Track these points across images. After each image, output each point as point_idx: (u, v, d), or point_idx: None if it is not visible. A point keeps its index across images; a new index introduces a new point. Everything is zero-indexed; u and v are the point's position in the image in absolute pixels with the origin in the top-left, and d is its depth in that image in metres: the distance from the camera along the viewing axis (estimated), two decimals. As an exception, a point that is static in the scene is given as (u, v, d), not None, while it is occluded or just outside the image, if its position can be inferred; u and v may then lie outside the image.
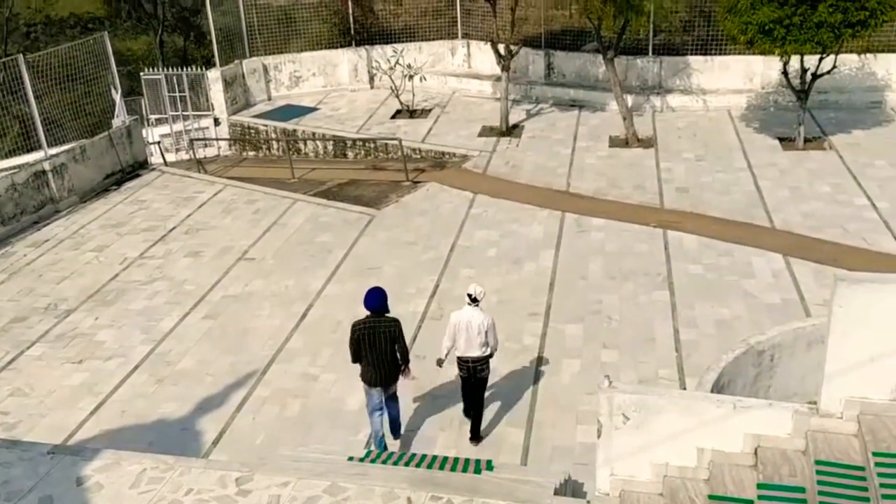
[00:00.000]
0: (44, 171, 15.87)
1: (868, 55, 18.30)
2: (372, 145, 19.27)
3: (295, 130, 20.45)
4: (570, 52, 21.24)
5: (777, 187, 15.02)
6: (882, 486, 4.80)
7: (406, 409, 9.50)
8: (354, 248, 13.74)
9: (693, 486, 5.77)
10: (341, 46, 23.19)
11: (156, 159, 20.13)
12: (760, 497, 5.23)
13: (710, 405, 5.77)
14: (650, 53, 20.22)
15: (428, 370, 10.26)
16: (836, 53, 15.69)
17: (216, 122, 21.47)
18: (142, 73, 21.52)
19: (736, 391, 8.24)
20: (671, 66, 20.15)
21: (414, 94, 20.83)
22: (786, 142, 17.13)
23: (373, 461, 7.39)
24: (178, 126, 21.29)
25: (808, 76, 16.16)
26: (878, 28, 14.95)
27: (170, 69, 21.59)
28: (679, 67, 20.10)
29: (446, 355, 8.85)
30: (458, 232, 14.11)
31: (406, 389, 9.76)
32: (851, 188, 14.77)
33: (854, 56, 18.21)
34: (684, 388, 9.30)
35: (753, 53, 17.10)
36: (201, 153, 20.84)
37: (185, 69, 21.25)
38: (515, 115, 20.07)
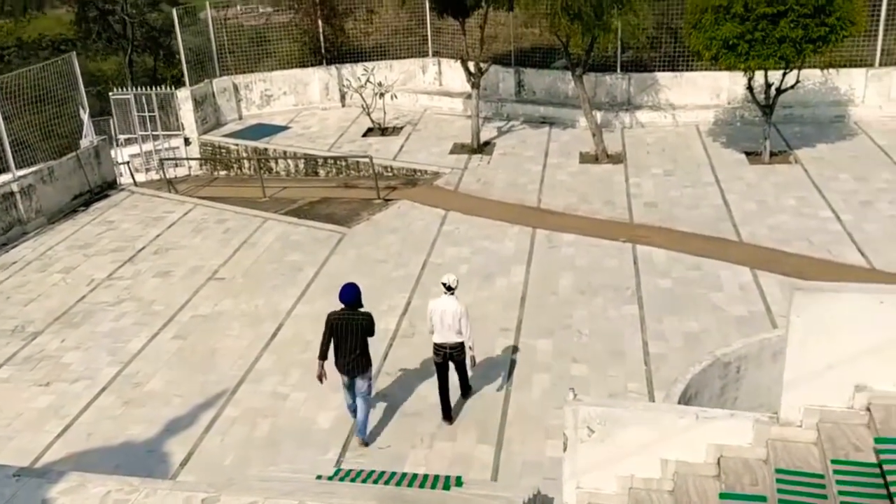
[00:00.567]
0: (12, 193, 15.71)
1: (831, 70, 18.68)
2: (343, 163, 19.29)
3: (266, 149, 20.42)
4: (539, 70, 21.45)
5: (744, 201, 15.22)
6: (840, 493, 4.85)
7: (377, 425, 9.49)
8: (325, 267, 13.71)
9: (658, 497, 5.81)
10: (312, 65, 23.24)
11: (125, 179, 20.01)
12: (723, 507, 5.27)
13: (674, 416, 5.82)
14: (619, 70, 20.46)
15: (399, 386, 10.28)
16: (799, 68, 15.98)
17: (186, 141, 21.39)
18: (110, 93, 21.39)
19: (703, 403, 8.30)
20: (639, 83, 20.41)
21: (385, 112, 20.90)
22: (752, 156, 17.37)
23: (341, 479, 7.35)
24: (148, 146, 21.18)
25: (773, 91, 16.43)
26: (838, 43, 15.24)
27: (139, 89, 21.50)
28: (647, 84, 20.36)
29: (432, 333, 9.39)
30: (429, 249, 14.14)
31: (377, 405, 9.78)
32: (816, 201, 14.99)
33: (817, 71, 18.61)
34: (653, 401, 9.35)
35: (719, 69, 17.37)
36: (172, 173, 20.73)
37: (154, 89, 21.16)
38: (487, 133, 20.20)
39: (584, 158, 18.05)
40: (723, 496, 5.34)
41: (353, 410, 9.28)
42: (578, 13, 15.68)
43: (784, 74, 16.07)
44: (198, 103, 21.43)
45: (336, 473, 7.67)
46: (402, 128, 21.13)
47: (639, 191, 16.12)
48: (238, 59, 22.89)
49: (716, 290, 11.98)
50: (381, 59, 23.19)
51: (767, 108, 16.65)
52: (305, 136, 21.10)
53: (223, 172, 21.08)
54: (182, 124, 21.35)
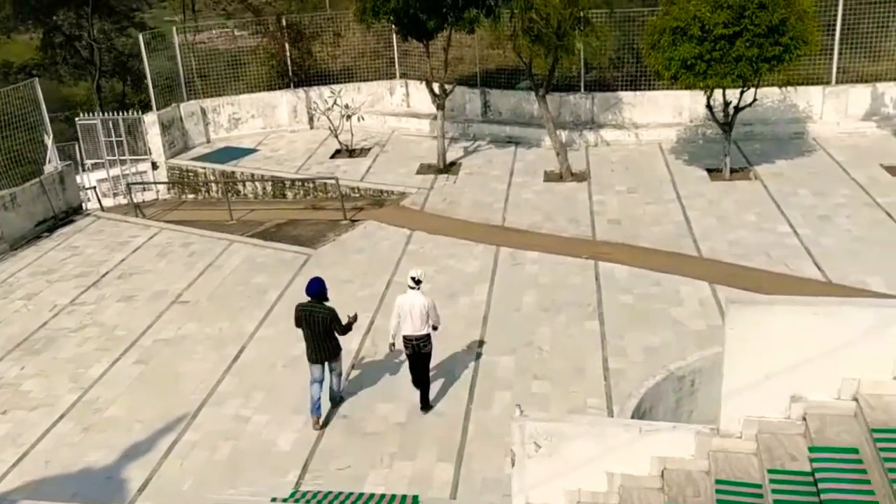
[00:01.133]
0: (-28, 220, 15.60)
1: (789, 88, 19.10)
2: (311, 185, 19.35)
3: (233, 172, 20.44)
4: (505, 90, 21.69)
5: (704, 217, 15.45)
6: (776, 502, 4.96)
7: (337, 445, 9.50)
8: (290, 288, 13.70)
9: (603, 510, 5.88)
10: (280, 88, 23.33)
11: (93, 205, 19.92)
12: (664, 518, 5.36)
13: (618, 430, 5.93)
14: (582, 90, 20.74)
15: (361, 406, 10.30)
16: (756, 87, 16.30)
17: (154, 165, 21.36)
18: (77, 119, 21.33)
19: (658, 416, 8.42)
20: (603, 102, 20.70)
21: (353, 134, 21.01)
22: (714, 173, 17.64)
23: (296, 501, 7.36)
24: (116, 171, 21.11)
25: (731, 109, 16.74)
26: (792, 62, 15.57)
27: (107, 114, 21.46)
28: (611, 103, 20.65)
29: (394, 336, 9.93)
30: (394, 268, 14.19)
31: (337, 424, 9.80)
32: (775, 216, 15.25)
33: (776, 89, 19.02)
34: (611, 416, 9.45)
35: (680, 88, 17.67)
36: (140, 197, 20.68)
37: (121, 114, 21.14)
38: (454, 153, 20.36)
39: (549, 177, 18.24)
40: (665, 508, 5.43)
41: (317, 408, 9.91)
42: (539, 35, 15.91)
43: (742, 93, 16.39)
44: (165, 127, 21.43)
45: (292, 495, 7.68)
46: (369, 149, 21.25)
47: (602, 208, 16.31)
48: (207, 82, 22.94)
49: (676, 305, 12.14)
50: (349, 82, 23.35)
51: (727, 126, 16.95)
52: (273, 159, 21.14)
53: (191, 196, 21.05)
54: (149, 149, 21.32)
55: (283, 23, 23.34)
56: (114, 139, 20.98)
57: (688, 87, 16.38)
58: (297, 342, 11.79)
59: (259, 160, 21.13)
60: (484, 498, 8.31)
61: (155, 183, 21.09)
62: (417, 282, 9.81)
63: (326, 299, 9.84)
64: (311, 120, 23.02)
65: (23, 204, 16.69)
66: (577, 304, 12.48)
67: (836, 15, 19.35)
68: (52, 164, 18.13)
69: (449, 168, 19.32)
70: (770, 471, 5.15)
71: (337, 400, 10.30)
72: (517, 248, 14.68)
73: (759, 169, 17.79)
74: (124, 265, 15.24)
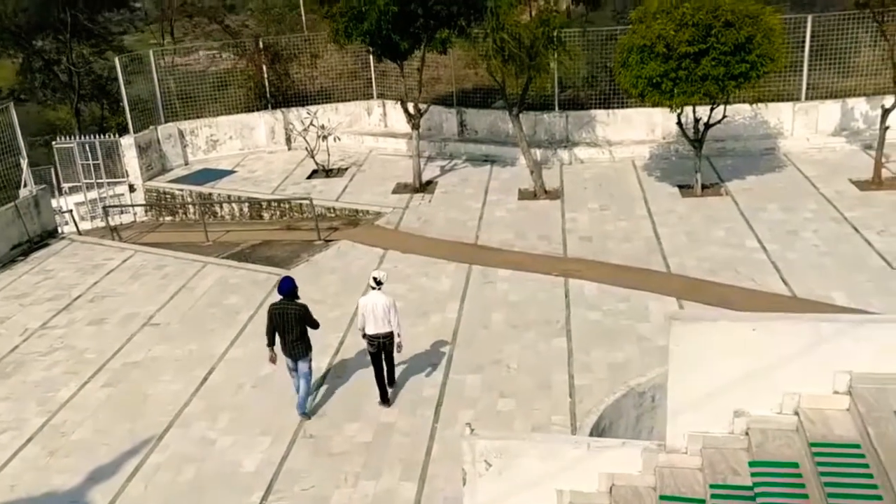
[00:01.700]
0: (-56, 244, 15.55)
1: (759, 105, 19.31)
2: (287, 206, 19.40)
3: (210, 194, 20.46)
4: (481, 110, 21.86)
5: (675, 233, 15.58)
6: (716, 516, 5.02)
7: (302, 465, 9.51)
8: (261, 309, 13.66)
9: (552, 527, 5.91)
10: (258, 110, 23.41)
11: (70, 228, 19.90)
12: (609, 534, 5.40)
13: (567, 447, 5.98)
14: (556, 108, 20.92)
15: (327, 425, 10.30)
16: (725, 104, 16.51)
17: (131, 188, 21.36)
18: (53, 143, 21.33)
19: (618, 433, 8.46)
20: (577, 120, 20.88)
21: (329, 154, 21.09)
22: (685, 189, 17.81)
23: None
24: (93, 194, 21.10)
25: (701, 126, 16.93)
26: (758, 79, 15.78)
27: (85, 137, 21.47)
28: (584, 121, 20.84)
29: (362, 329, 10.45)
30: (366, 289, 14.19)
31: (304, 444, 9.80)
32: (744, 232, 15.40)
33: (747, 106, 19.24)
34: (575, 433, 9.49)
35: (648, 105, 17.85)
36: (118, 220, 20.67)
37: (98, 137, 21.16)
38: (430, 172, 20.47)
39: (523, 195, 18.36)
40: (610, 524, 5.47)
41: (301, 403, 10.43)
42: (510, 55, 16.08)
43: (711, 110, 16.60)
44: (142, 150, 21.46)
45: (252, 517, 7.67)
46: (346, 169, 21.33)
47: (574, 225, 16.43)
48: (185, 105, 22.99)
49: (643, 321, 12.22)
50: (327, 102, 23.46)
51: (697, 143, 17.13)
52: (250, 180, 21.19)
53: (168, 218, 21.04)
54: (126, 171, 21.32)
55: (261, 45, 23.46)
56: (91, 162, 20.98)
57: (655, 105, 16.55)
58: (266, 363, 11.86)
59: (236, 181, 21.18)
60: (446, 516, 8.33)
61: (132, 205, 21.08)
62: (379, 282, 10.33)
63: (297, 297, 10.39)
64: (288, 141, 23.09)
65: (-4, 228, 16.66)
66: (546, 321, 12.55)
67: (804, 32, 19.62)
68: (28, 188, 18.09)
69: (425, 187, 19.42)
70: (712, 486, 5.21)
71: (303, 407, 10.44)
72: (489, 266, 14.75)
73: (730, 185, 17.97)
74: (97, 288, 15.21)
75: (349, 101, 23.70)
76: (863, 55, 20.22)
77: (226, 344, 12.63)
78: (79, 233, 19.58)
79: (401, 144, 22.35)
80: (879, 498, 4.34)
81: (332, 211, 18.67)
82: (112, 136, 21.44)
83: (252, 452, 9.89)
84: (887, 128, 16.90)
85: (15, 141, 18.36)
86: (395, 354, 10.69)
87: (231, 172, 21.88)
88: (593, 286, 13.61)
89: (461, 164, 21.16)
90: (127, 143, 21.14)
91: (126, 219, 21.08)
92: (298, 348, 10.26)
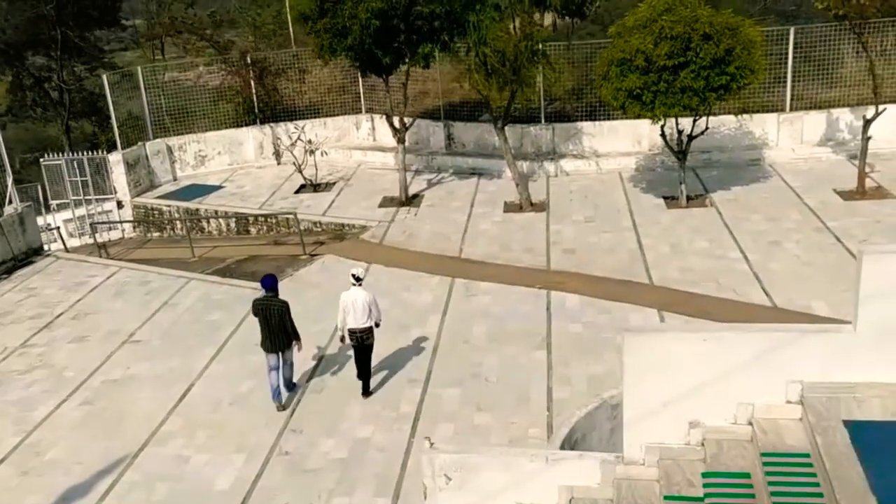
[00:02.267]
0: (-73, 263, 15.53)
1: (744, 116, 19.39)
2: (274, 221, 19.39)
3: (198, 209, 20.47)
4: (468, 123, 21.89)
5: (658, 245, 15.56)
6: (669, 528, 4.98)
7: (276, 483, 9.45)
8: (243, 325, 13.67)
9: (510, 542, 5.86)
10: (246, 125, 23.46)
11: (57, 245, 19.88)
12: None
13: (525, 460, 5.93)
14: (543, 121, 20.96)
15: (303, 442, 10.24)
16: (707, 115, 16.54)
17: (119, 204, 21.35)
18: (41, 160, 21.36)
19: (591, 446, 8.40)
20: (563, 133, 20.91)
21: (317, 169, 21.10)
22: (670, 200, 17.80)
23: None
24: (82, 210, 21.09)
25: (685, 137, 16.95)
26: (741, 91, 15.82)
27: (75, 154, 21.49)
28: (571, 133, 20.87)
29: (342, 330, 10.97)
30: (349, 303, 14.17)
31: (279, 461, 9.74)
32: (727, 242, 15.38)
33: (731, 117, 19.31)
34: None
35: (631, 117, 17.86)
36: (106, 236, 20.62)
37: (85, 153, 21.19)
38: (417, 185, 20.48)
39: (509, 208, 18.36)
40: (566, 537, 5.43)
41: (277, 395, 10.94)
42: (492, 69, 16.12)
43: (694, 121, 16.62)
44: (130, 166, 21.48)
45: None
46: (334, 183, 21.35)
47: (559, 237, 16.41)
48: (176, 120, 23.03)
49: (623, 334, 12.16)
50: (316, 117, 23.51)
51: (681, 154, 17.15)
52: (238, 195, 21.19)
53: (156, 234, 21.02)
54: (114, 188, 21.33)
55: (248, 60, 23.53)
56: (79, 179, 20.99)
57: (635, 117, 16.59)
58: (245, 378, 11.89)
59: (224, 196, 21.18)
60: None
61: (120, 222, 21.07)
62: (358, 279, 10.91)
63: (278, 293, 11.10)
64: (277, 156, 23.11)
65: (-20, 246, 16.65)
66: (527, 333, 12.51)
67: (787, 44, 19.69)
68: (13, 205, 18.10)
69: (411, 200, 19.42)
70: (666, 497, 5.17)
71: (291, 387, 11.27)
72: (472, 280, 14.73)
73: (715, 196, 17.97)
74: (80, 305, 15.18)
75: (338, 115, 23.76)
76: (847, 66, 20.28)
77: (204, 360, 12.58)
78: (66, 250, 19.55)
79: (389, 158, 22.36)
80: (826, 508, 4.31)
81: (318, 225, 18.67)
82: (101, 152, 21.45)
83: (226, 470, 9.83)
84: (869, 138, 16.92)
85: (0, 159, 18.40)
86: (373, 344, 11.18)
87: (219, 188, 21.89)
88: (575, 298, 13.58)
89: (448, 177, 21.18)
90: (115, 159, 21.17)
91: (114, 235, 21.04)
92: (282, 340, 10.87)
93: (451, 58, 17.20)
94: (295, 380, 11.45)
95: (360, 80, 23.29)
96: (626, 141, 20.59)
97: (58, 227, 20.46)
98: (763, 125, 20.04)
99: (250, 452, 10.14)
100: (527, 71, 17.09)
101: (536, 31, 16.57)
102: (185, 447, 10.38)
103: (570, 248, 15.85)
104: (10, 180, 18.11)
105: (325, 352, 12.51)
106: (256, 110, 23.55)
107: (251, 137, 23.35)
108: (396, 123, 18.87)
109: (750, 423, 5.21)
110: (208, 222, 20.28)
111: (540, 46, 17.79)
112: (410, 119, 19.41)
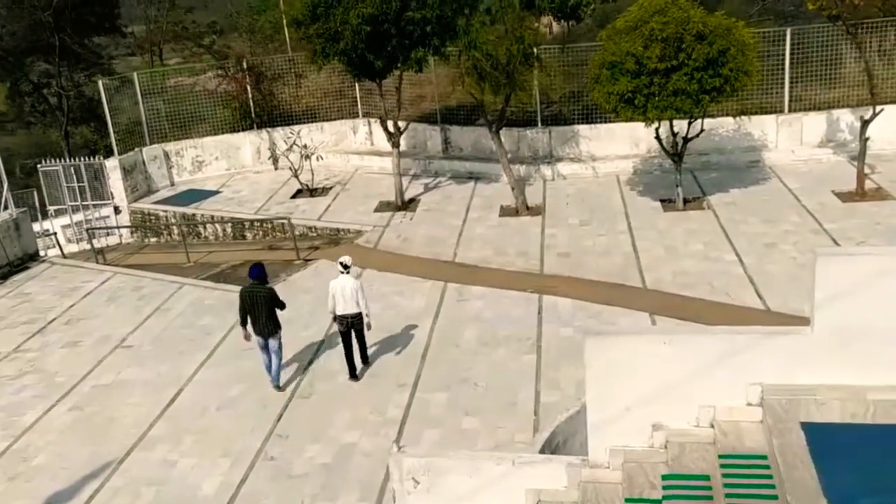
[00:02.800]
0: (-77, 269, 15.61)
1: (743, 117, 19.29)
2: (269, 226, 19.41)
3: (194, 215, 20.51)
4: (465, 127, 21.87)
5: (653, 248, 15.47)
6: (630, 532, 4.92)
7: (261, 489, 9.43)
8: (234, 330, 13.64)
9: (476, 546, 5.82)
10: (243, 130, 23.52)
11: (55, 251, 19.97)
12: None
13: (492, 464, 5.89)
14: (539, 124, 20.91)
15: (289, 447, 10.22)
16: (702, 118, 16.45)
17: (116, 210, 21.43)
18: (38, 166, 21.47)
19: (573, 450, 8.31)
20: (560, 136, 20.85)
21: (314, 173, 21.12)
22: (667, 203, 17.70)
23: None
24: (79, 216, 21.18)
25: (680, 140, 16.86)
26: (734, 93, 15.71)
27: (74, 160, 21.60)
28: (568, 136, 20.81)
29: (332, 312, 11.41)
30: (341, 307, 14.15)
31: (264, 466, 9.73)
32: (723, 245, 15.28)
33: (730, 119, 19.21)
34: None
35: (623, 120, 17.77)
36: (103, 242, 20.71)
37: (82, 159, 21.29)
38: (414, 190, 20.47)
39: (505, 212, 18.32)
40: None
41: (269, 367, 11.49)
42: (484, 74, 16.10)
43: (689, 124, 16.54)
44: (127, 172, 21.56)
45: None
46: (331, 188, 21.36)
47: (553, 241, 16.35)
48: (174, 124, 23.12)
49: (613, 337, 12.09)
50: (313, 122, 23.55)
51: (677, 157, 17.06)
52: (235, 200, 21.23)
53: (153, 239, 21.09)
54: (111, 193, 21.41)
55: (245, 65, 23.60)
56: (76, 185, 21.09)
57: (628, 121, 16.51)
58: (234, 383, 11.88)
59: (220, 202, 21.23)
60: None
61: (117, 227, 21.14)
62: (346, 267, 11.37)
63: (266, 281, 11.68)
64: (275, 161, 23.14)
65: (-24, 252, 16.72)
66: (518, 338, 12.46)
67: (784, 44, 19.58)
68: (8, 211, 18.18)
69: (407, 205, 19.40)
70: (627, 500, 5.12)
71: (277, 382, 11.57)
72: (465, 284, 14.68)
73: (712, 198, 17.86)
74: (73, 311, 15.21)
75: (335, 119, 23.79)
76: (847, 66, 20.15)
77: (194, 366, 12.58)
78: (63, 255, 19.65)
79: (386, 163, 22.33)
80: (779, 509, 4.25)
81: (313, 230, 18.67)
82: (98, 158, 21.54)
83: (212, 475, 9.81)
84: (867, 139, 16.79)
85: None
86: (367, 333, 11.61)
87: (216, 193, 21.94)
88: (567, 302, 13.51)
89: (445, 181, 21.15)
90: (111, 165, 21.25)
91: (112, 241, 21.13)
92: (268, 327, 11.31)
93: (444, 62, 17.16)
94: (283, 362, 11.84)
95: (356, 84, 23.31)
96: (623, 144, 20.51)
97: (55, 233, 20.56)
98: (762, 127, 19.92)
99: (236, 457, 10.13)
100: (520, 75, 17.05)
101: (528, 34, 16.49)
102: (171, 452, 10.37)
103: (564, 251, 15.78)
104: (5, 187, 18.17)
105: (314, 357, 12.49)
106: (253, 115, 23.60)
107: (248, 142, 23.40)
108: (391, 127, 18.87)
109: (712, 426, 5.16)
110: (204, 227, 20.32)
111: (534, 50, 17.78)
112: (405, 123, 19.40)
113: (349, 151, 23.37)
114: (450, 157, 21.85)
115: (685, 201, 17.48)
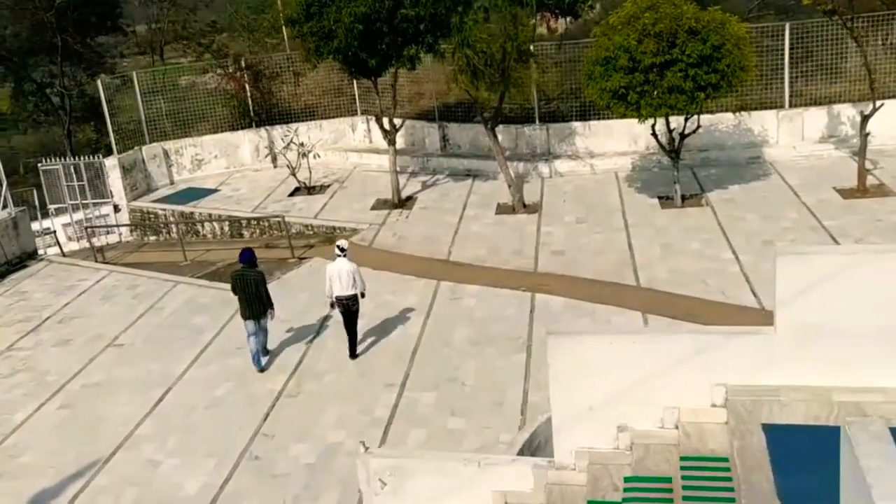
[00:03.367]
0: (-81, 268, 15.66)
1: (743, 113, 19.08)
2: (266, 224, 19.39)
3: (192, 213, 20.51)
4: (463, 124, 21.77)
5: (650, 245, 15.33)
6: (591, 535, 4.84)
7: (244, 488, 9.39)
8: (225, 329, 13.65)
9: (442, 549, 5.75)
10: (242, 128, 23.50)
11: (54, 249, 20.01)
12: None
13: (458, 465, 5.82)
14: (537, 121, 20.79)
15: (274, 447, 10.18)
16: (698, 114, 16.28)
17: (116, 208, 21.46)
18: (39, 164, 21.52)
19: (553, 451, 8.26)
20: (558, 133, 20.73)
21: (311, 171, 21.08)
22: (665, 200, 17.56)
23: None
24: (79, 215, 21.22)
25: (677, 136, 16.71)
26: (732, 90, 15.55)
27: (74, 159, 21.64)
28: (565, 133, 20.69)
29: (330, 297, 11.90)
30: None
31: (248, 466, 9.68)
32: (720, 243, 15.12)
33: (729, 114, 19.02)
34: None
35: (618, 117, 17.62)
36: (103, 240, 20.74)
37: (82, 158, 21.33)
38: (412, 187, 20.40)
39: (501, 209, 18.21)
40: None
41: (257, 359, 11.90)
42: (477, 71, 16.00)
43: (686, 120, 16.39)
44: (126, 170, 21.58)
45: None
46: (328, 186, 21.32)
47: (549, 239, 16.24)
48: (175, 123, 23.12)
49: (604, 335, 11.98)
50: (311, 120, 23.51)
51: (674, 154, 16.91)
52: (233, 199, 21.22)
53: (153, 238, 21.10)
54: (111, 192, 21.44)
55: (243, 63, 23.58)
56: (76, 183, 21.13)
57: (621, 117, 16.37)
58: (222, 382, 11.87)
59: (219, 200, 21.22)
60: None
61: (116, 226, 21.17)
62: (343, 250, 11.81)
63: (256, 265, 12.11)
64: (273, 159, 23.10)
65: (-27, 251, 16.77)
66: (508, 337, 12.37)
67: (783, 39, 19.39)
68: (7, 209, 18.22)
69: (404, 203, 19.34)
70: (589, 502, 5.03)
71: (266, 352, 12.19)
72: (458, 282, 14.60)
73: (711, 195, 17.70)
74: (67, 309, 15.23)
75: (333, 117, 23.74)
76: (849, 61, 19.92)
77: (184, 364, 12.55)
78: (63, 254, 19.69)
79: (384, 160, 22.18)
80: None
81: (309, 228, 18.64)
82: (98, 157, 21.57)
83: (195, 475, 9.78)
84: (868, 134, 16.60)
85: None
86: (359, 324, 12.15)
87: (215, 191, 21.94)
88: (560, 301, 13.41)
89: (443, 178, 21.07)
90: (111, 163, 21.28)
91: (112, 239, 21.16)
92: (258, 308, 11.78)
93: (439, 59, 17.07)
94: (269, 346, 12.32)
95: (355, 82, 23.26)
96: (621, 140, 20.36)
97: (54, 232, 20.60)
98: (762, 122, 19.74)
99: (221, 457, 10.09)
100: (515, 72, 16.94)
101: (521, 31, 16.37)
102: (157, 451, 10.35)
103: (559, 249, 15.67)
104: (4, 185, 18.22)
105: (304, 356, 12.44)
106: (252, 113, 23.58)
107: (247, 140, 23.38)
108: (387, 125, 18.80)
109: (677, 427, 5.06)
110: (202, 226, 20.32)
111: (531, 47, 17.67)
112: (401, 121, 19.32)
113: (348, 149, 23.32)
114: (448, 155, 21.77)
115: (683, 198, 17.33)
